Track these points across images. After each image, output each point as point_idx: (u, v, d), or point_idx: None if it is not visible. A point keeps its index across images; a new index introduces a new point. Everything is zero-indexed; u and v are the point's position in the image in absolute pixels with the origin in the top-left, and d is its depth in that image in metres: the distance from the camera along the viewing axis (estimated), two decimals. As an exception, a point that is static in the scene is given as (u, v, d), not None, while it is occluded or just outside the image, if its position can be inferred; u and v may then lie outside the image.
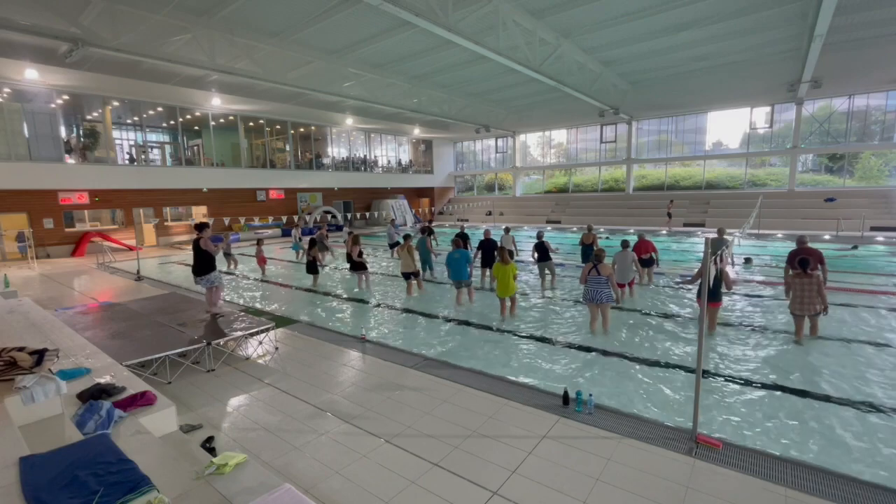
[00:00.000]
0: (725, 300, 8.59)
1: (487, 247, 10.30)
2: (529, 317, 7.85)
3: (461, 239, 10.47)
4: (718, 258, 4.38)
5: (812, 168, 24.01)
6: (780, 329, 6.76)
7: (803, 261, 6.00)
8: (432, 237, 13.35)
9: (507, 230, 11.47)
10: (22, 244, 16.39)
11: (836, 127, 20.87)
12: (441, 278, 11.01)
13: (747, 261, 12.53)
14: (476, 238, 11.26)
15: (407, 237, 9.88)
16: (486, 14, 11.87)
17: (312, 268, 10.98)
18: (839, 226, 17.48)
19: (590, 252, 9.01)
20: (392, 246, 14.86)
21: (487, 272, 10.36)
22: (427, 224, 15.94)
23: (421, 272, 11.47)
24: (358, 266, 10.37)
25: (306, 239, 14.01)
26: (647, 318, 7.57)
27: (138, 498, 2.21)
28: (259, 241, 13.17)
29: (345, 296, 9.92)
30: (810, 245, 7.04)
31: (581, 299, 7.60)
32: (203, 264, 6.86)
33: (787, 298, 6.42)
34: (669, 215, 21.93)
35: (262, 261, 12.70)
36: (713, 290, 6.21)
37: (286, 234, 23.16)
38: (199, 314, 6.80)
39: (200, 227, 6.88)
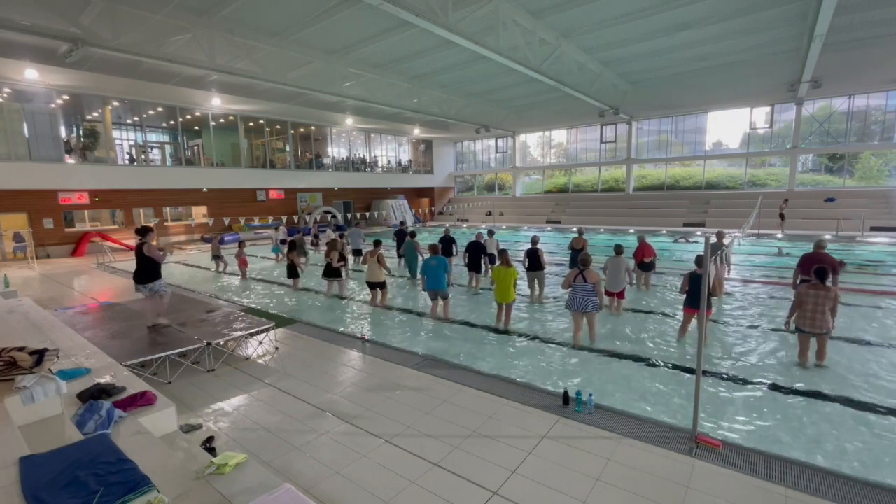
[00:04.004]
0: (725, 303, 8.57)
1: (474, 249, 9.96)
2: (526, 317, 7.84)
3: (444, 243, 9.98)
4: (717, 261, 4.37)
5: (812, 168, 24.00)
6: (781, 329, 6.76)
7: (821, 270, 5.34)
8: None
9: (490, 233, 10.98)
10: (19, 244, 16.34)
11: (836, 127, 20.86)
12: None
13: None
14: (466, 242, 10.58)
15: (377, 243, 9.01)
16: (486, 14, 11.86)
17: (292, 271, 10.76)
18: (839, 226, 17.48)
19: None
20: (356, 253, 13.64)
21: (474, 276, 10.02)
22: (401, 226, 14.85)
23: (410, 277, 11.00)
24: (333, 273, 9.75)
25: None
26: (646, 319, 7.58)
27: (138, 498, 2.21)
28: (240, 244, 12.69)
29: (345, 297, 9.91)
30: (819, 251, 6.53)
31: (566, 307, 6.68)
32: (147, 272, 6.32)
33: (790, 316, 5.58)
34: (782, 216, 18.93)
35: (242, 263, 12.39)
36: (698, 296, 5.95)
37: (291, 233, 23.09)
38: (200, 314, 6.80)
39: (143, 232, 6.28)
